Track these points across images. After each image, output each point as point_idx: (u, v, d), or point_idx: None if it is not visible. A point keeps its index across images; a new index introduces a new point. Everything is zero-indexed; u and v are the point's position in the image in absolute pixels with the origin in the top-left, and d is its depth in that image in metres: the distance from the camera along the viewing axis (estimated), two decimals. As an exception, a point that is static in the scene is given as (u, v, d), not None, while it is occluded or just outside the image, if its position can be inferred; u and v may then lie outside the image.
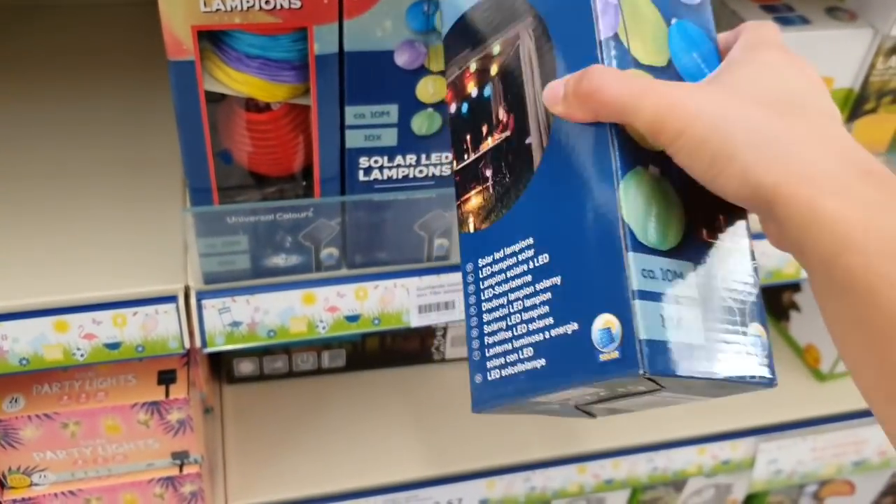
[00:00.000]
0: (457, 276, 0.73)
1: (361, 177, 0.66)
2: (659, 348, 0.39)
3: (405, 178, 0.67)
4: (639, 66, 0.43)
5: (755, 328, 0.43)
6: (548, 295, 0.44)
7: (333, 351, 1.03)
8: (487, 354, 0.47)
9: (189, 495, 0.84)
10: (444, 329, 1.05)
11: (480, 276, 0.49)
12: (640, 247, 0.40)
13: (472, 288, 0.49)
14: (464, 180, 0.51)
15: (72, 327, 0.66)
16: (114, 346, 0.68)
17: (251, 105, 0.62)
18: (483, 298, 0.48)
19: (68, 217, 0.73)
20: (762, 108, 0.38)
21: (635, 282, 0.39)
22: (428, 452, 0.98)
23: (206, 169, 0.62)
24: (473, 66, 0.51)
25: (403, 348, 1.06)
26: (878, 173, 0.36)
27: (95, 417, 0.75)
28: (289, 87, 0.60)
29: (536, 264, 0.45)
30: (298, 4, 0.55)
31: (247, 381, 1.04)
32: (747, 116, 0.38)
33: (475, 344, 0.48)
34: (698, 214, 0.42)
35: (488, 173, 0.49)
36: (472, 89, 0.51)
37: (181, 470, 0.82)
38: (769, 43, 0.43)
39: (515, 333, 0.46)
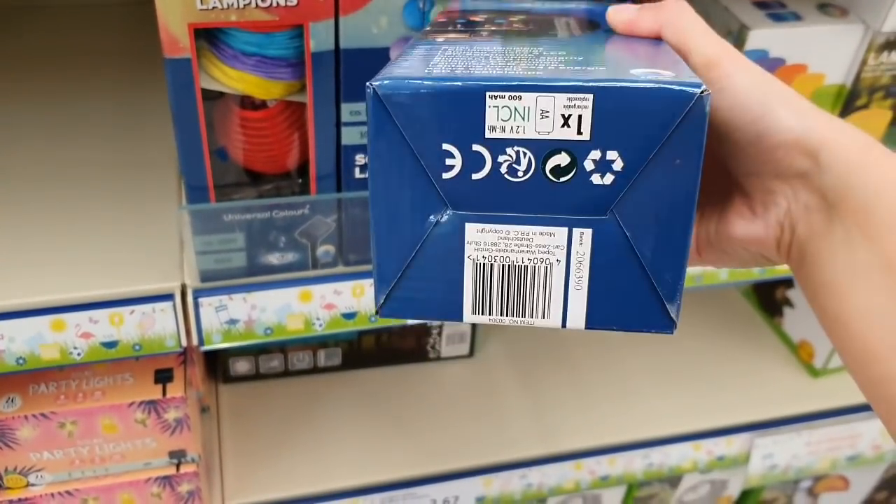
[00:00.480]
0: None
1: (357, 174, 0.66)
2: None
3: (401, 175, 0.67)
4: None
5: None
6: None
7: (329, 349, 1.03)
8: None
9: (186, 494, 0.84)
10: (440, 327, 1.05)
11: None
12: None
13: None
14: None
15: (68, 326, 0.66)
16: (111, 344, 0.68)
17: (247, 102, 0.62)
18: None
19: (64, 216, 0.73)
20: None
21: None
22: (424, 450, 0.98)
23: (203, 167, 0.62)
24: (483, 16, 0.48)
25: (399, 347, 1.06)
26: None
27: (92, 417, 0.75)
28: (285, 84, 0.61)
29: None
30: (294, 2, 0.55)
31: (243, 381, 1.04)
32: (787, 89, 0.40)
33: None
34: None
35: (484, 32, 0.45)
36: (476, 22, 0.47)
37: (178, 469, 0.82)
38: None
39: None
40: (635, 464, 1.03)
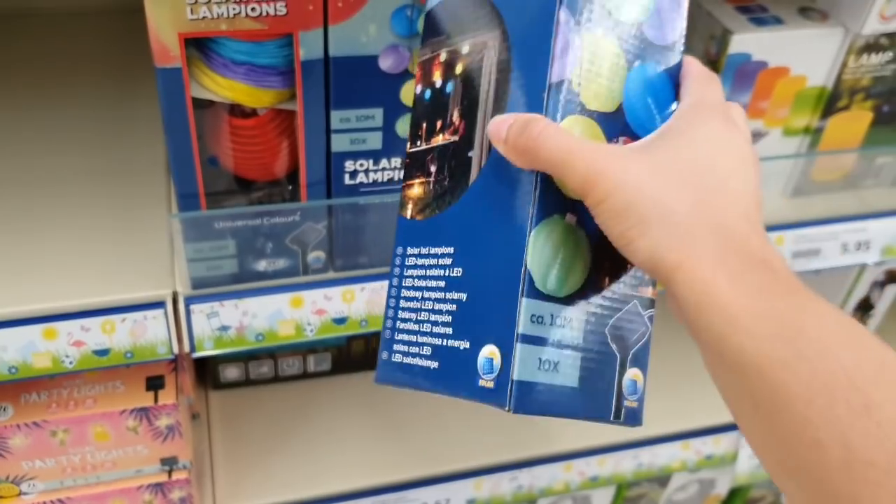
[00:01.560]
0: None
1: (347, 180, 0.66)
2: (527, 389, 0.42)
3: (390, 181, 0.67)
4: (584, 111, 0.44)
5: (632, 373, 0.46)
6: (453, 306, 0.46)
7: (319, 355, 1.04)
8: (396, 338, 0.49)
9: (178, 501, 0.84)
10: (429, 331, 1.05)
11: (406, 263, 0.50)
12: (536, 293, 0.42)
13: (396, 271, 0.51)
14: (411, 166, 0.51)
15: (60, 335, 0.66)
16: (103, 352, 0.68)
17: (237, 111, 0.63)
18: (403, 285, 0.50)
19: (55, 225, 0.73)
20: (682, 188, 0.40)
21: (522, 325, 0.42)
22: (415, 454, 0.98)
23: (194, 174, 0.63)
24: (443, 56, 0.50)
25: (389, 351, 1.06)
26: (772, 262, 0.39)
27: (84, 425, 0.75)
28: (275, 92, 0.61)
29: (451, 274, 0.47)
30: (284, 11, 0.56)
31: (233, 387, 1.04)
32: (665, 195, 0.39)
33: (388, 323, 0.50)
34: (605, 263, 0.44)
35: (433, 168, 0.49)
36: (438, 79, 0.51)
37: (170, 476, 0.82)
38: (711, 109, 0.44)
39: (421, 329, 0.48)
40: (624, 464, 1.03)
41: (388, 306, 0.51)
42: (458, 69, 0.49)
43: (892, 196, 0.87)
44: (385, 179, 0.67)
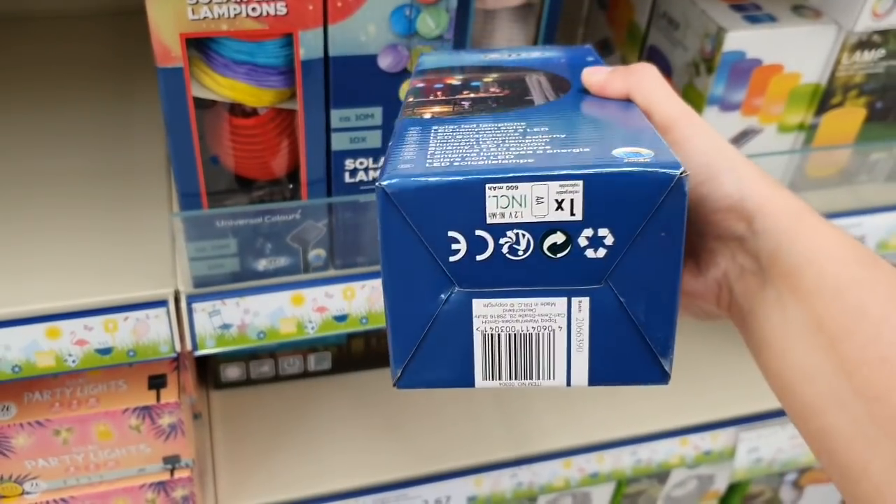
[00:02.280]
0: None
1: (347, 178, 0.67)
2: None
3: (390, 179, 0.68)
4: None
5: None
6: None
7: (319, 354, 1.04)
8: None
9: (180, 500, 0.84)
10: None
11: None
12: None
13: None
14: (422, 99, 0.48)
15: (64, 334, 0.67)
16: (105, 351, 0.69)
17: (238, 110, 0.63)
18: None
19: (57, 225, 0.73)
20: None
21: None
22: (415, 451, 0.99)
23: (195, 174, 0.63)
24: (458, 79, 0.49)
25: (388, 350, 1.07)
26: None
27: (87, 424, 0.76)
28: (275, 91, 0.62)
29: None
30: (284, 11, 0.56)
31: (234, 387, 1.05)
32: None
33: None
34: None
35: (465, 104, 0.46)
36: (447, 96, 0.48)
37: (172, 474, 0.83)
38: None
39: None
40: (624, 460, 1.04)
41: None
42: (487, 78, 0.49)
43: (886, 191, 0.88)
44: (384, 178, 0.68)
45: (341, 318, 0.74)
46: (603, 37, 0.93)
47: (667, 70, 0.82)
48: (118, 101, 0.88)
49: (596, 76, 0.45)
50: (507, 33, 0.75)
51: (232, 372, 1.03)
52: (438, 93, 0.47)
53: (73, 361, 0.69)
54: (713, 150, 0.41)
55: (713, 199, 0.41)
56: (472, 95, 0.46)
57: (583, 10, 0.96)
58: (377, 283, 0.73)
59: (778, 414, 1.08)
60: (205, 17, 0.55)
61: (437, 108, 0.45)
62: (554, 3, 0.75)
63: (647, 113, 0.43)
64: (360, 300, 0.73)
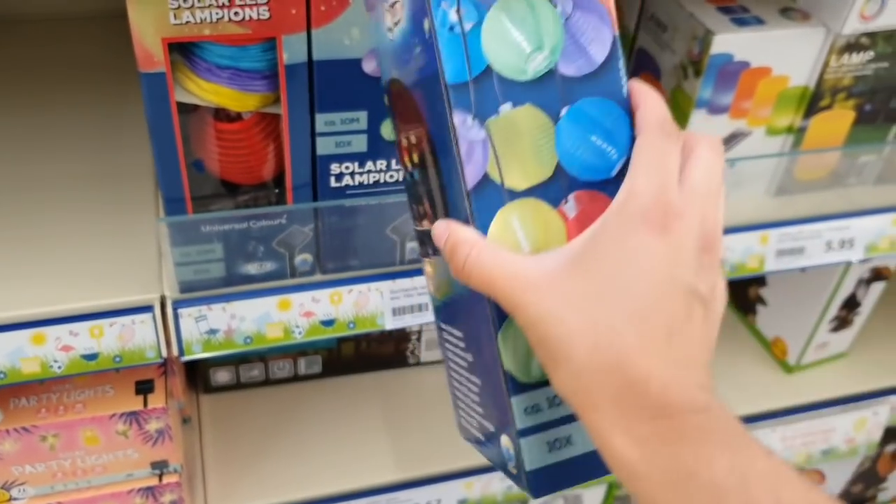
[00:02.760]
0: (429, 279, 0.74)
1: (333, 183, 0.67)
2: (544, 474, 0.43)
3: (376, 183, 0.68)
4: (515, 195, 0.42)
5: None
6: (476, 388, 0.47)
7: (309, 357, 1.04)
8: (457, 404, 0.52)
9: (169, 505, 0.84)
10: (419, 333, 1.06)
11: (443, 336, 0.51)
12: (521, 388, 0.43)
13: (443, 343, 0.51)
14: (422, 243, 0.50)
15: (49, 340, 0.67)
16: (91, 357, 0.68)
17: (222, 115, 0.63)
18: (448, 356, 0.51)
19: (42, 229, 0.73)
20: (588, 323, 0.38)
21: (519, 422, 0.42)
22: (406, 455, 0.99)
23: (180, 179, 0.63)
24: (404, 142, 0.49)
25: (379, 353, 1.07)
26: (670, 405, 0.37)
27: (74, 429, 0.76)
28: (259, 96, 0.61)
29: (467, 359, 0.47)
30: (267, 15, 0.56)
31: (224, 391, 1.04)
32: (571, 333, 0.38)
33: (452, 383, 0.52)
34: None
35: (430, 250, 0.48)
36: (408, 163, 0.49)
37: (161, 479, 0.82)
38: (640, 215, 0.39)
39: (465, 401, 0.50)
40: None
41: (446, 371, 0.52)
42: (416, 158, 0.47)
43: (875, 194, 0.88)
44: (371, 182, 0.68)
45: (329, 323, 0.73)
46: (592, 39, 0.93)
47: (655, 73, 0.82)
48: (108, 103, 0.88)
49: (437, 241, 0.44)
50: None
51: (222, 376, 1.03)
52: None
53: (59, 367, 0.68)
54: (541, 346, 0.40)
55: (554, 387, 0.42)
56: (424, 226, 0.49)
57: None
58: (364, 288, 0.72)
59: (768, 416, 1.08)
60: (187, 22, 0.55)
61: (428, 272, 0.50)
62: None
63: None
64: (348, 304, 0.73)
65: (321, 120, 0.63)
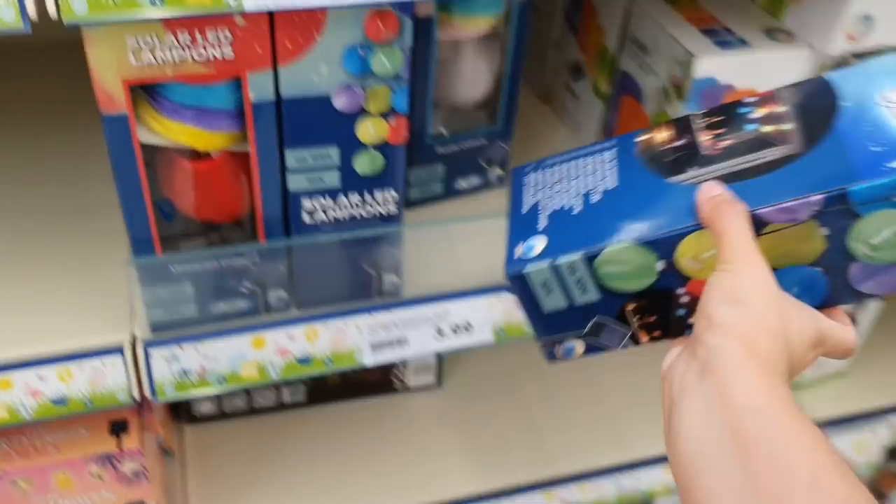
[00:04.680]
0: (409, 313, 0.72)
1: (306, 219, 0.65)
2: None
3: (351, 218, 0.66)
4: None
5: None
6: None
7: (293, 386, 1.02)
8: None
9: (148, 543, 0.82)
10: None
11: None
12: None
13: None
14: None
15: (15, 385, 0.65)
16: (61, 401, 0.67)
17: (190, 153, 0.61)
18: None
19: (6, 268, 0.71)
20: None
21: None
22: (393, 483, 0.97)
23: (146, 220, 0.61)
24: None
25: (364, 380, 1.05)
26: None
27: (46, 473, 0.74)
28: (227, 135, 0.60)
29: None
30: (231, 55, 0.54)
31: (207, 421, 1.02)
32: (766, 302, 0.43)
33: None
34: None
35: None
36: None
37: (139, 519, 0.81)
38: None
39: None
40: (607, 489, 1.02)
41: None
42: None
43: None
44: (346, 217, 0.66)
45: (305, 361, 0.71)
46: (573, 61, 0.91)
47: (637, 96, 0.80)
48: (79, 136, 0.86)
49: (706, 190, 0.47)
50: (472, 63, 0.74)
51: (205, 406, 1.01)
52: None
53: (28, 414, 0.66)
54: (733, 303, 0.43)
55: (699, 326, 0.43)
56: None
57: (553, 33, 0.94)
58: (340, 323, 0.71)
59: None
60: (148, 63, 0.53)
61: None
62: (520, 31, 0.73)
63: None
64: (324, 341, 0.71)
65: (291, 156, 0.61)
